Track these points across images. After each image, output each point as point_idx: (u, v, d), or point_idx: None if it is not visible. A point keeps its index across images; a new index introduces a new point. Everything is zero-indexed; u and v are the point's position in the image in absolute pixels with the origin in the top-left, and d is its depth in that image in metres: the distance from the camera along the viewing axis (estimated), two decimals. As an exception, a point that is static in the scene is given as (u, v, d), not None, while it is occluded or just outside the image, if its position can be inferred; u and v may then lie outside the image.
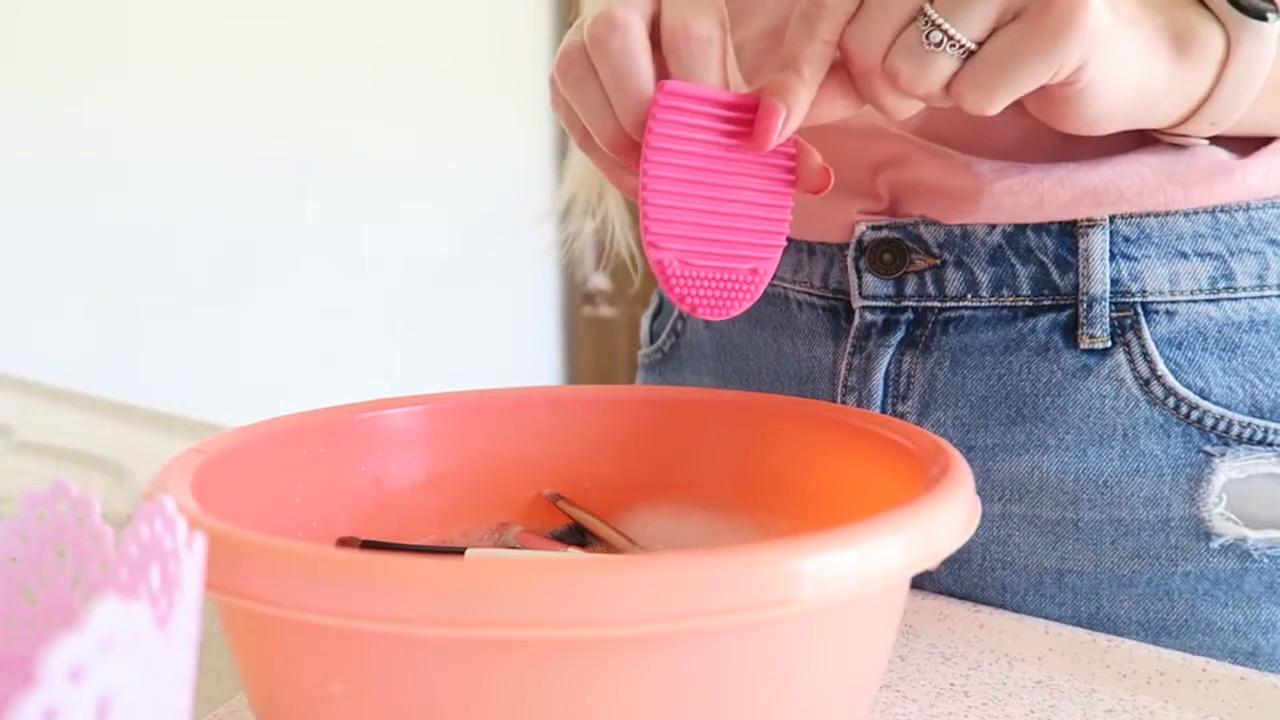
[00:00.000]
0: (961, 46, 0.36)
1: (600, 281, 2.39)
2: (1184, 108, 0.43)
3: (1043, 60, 0.36)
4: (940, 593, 0.50)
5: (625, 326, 2.42)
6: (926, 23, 0.36)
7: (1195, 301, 0.47)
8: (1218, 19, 0.41)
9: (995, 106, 0.38)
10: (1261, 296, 0.47)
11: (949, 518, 0.31)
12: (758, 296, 0.43)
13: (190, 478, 0.35)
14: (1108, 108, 0.40)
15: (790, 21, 0.39)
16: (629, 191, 0.44)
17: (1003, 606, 0.49)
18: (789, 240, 0.55)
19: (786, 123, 0.39)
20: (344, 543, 0.43)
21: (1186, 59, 0.41)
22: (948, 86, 0.38)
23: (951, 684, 0.42)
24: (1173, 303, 0.47)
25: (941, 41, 0.36)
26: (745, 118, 0.40)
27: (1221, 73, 0.41)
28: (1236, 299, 0.47)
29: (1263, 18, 0.41)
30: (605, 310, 2.43)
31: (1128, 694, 0.42)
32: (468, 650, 0.28)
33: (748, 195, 0.42)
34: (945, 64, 0.37)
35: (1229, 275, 0.47)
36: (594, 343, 2.56)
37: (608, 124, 0.41)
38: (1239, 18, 0.41)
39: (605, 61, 0.39)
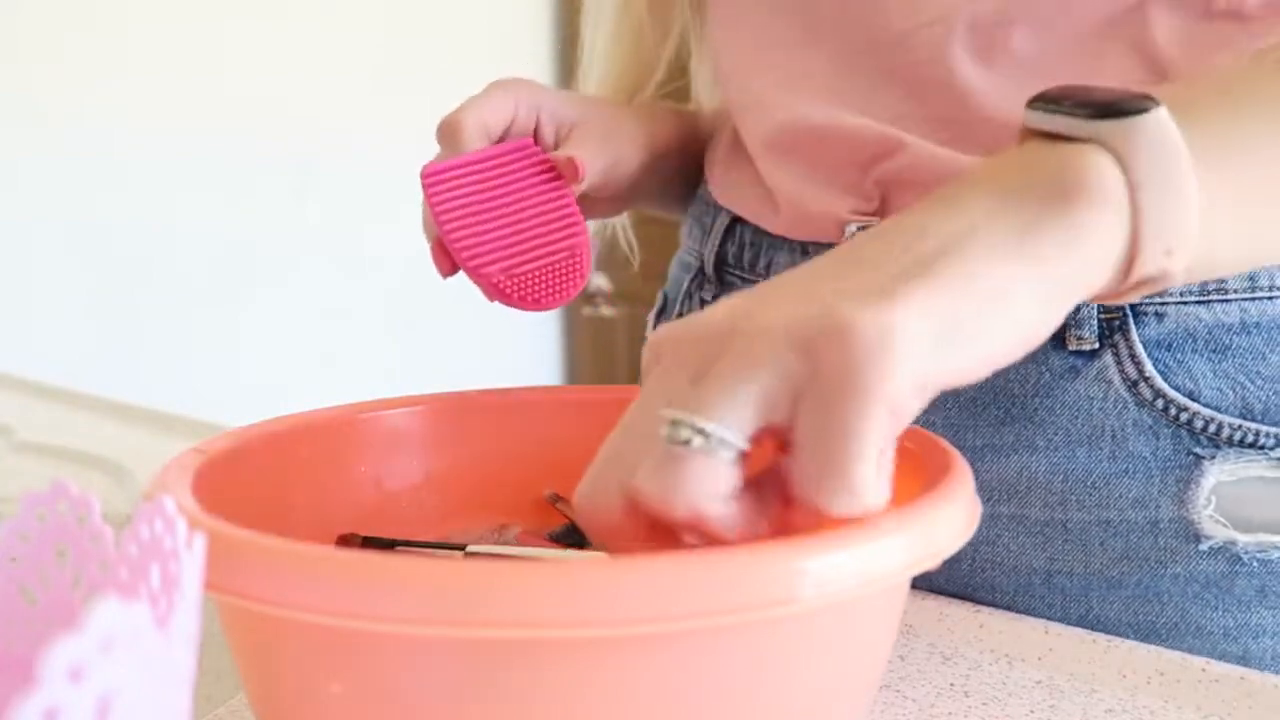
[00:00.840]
0: (722, 441, 0.28)
1: (600, 281, 2.39)
2: (1113, 259, 0.31)
3: (860, 423, 0.27)
4: (932, 591, 0.50)
5: (625, 326, 2.42)
6: (674, 425, 0.29)
7: (1185, 303, 0.46)
8: (1092, 142, 0.31)
9: (858, 491, 0.28)
10: (1252, 298, 0.46)
11: (949, 518, 0.31)
12: (588, 271, 0.51)
13: (190, 478, 0.35)
14: (1008, 346, 0.31)
15: None
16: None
17: (991, 606, 0.49)
18: (784, 240, 0.55)
19: None
20: (344, 540, 0.43)
21: (1074, 205, 0.30)
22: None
23: (951, 684, 0.42)
24: (1162, 304, 0.47)
25: (690, 437, 0.28)
26: (504, 158, 0.52)
27: (1133, 198, 0.31)
28: (1227, 300, 0.46)
29: (1136, 111, 0.31)
30: (605, 310, 2.43)
31: (1128, 694, 0.42)
32: (468, 650, 0.28)
33: (533, 205, 0.51)
34: (709, 468, 0.28)
35: (1219, 277, 0.46)
36: (594, 343, 2.56)
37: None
38: (1113, 125, 0.31)
39: None
